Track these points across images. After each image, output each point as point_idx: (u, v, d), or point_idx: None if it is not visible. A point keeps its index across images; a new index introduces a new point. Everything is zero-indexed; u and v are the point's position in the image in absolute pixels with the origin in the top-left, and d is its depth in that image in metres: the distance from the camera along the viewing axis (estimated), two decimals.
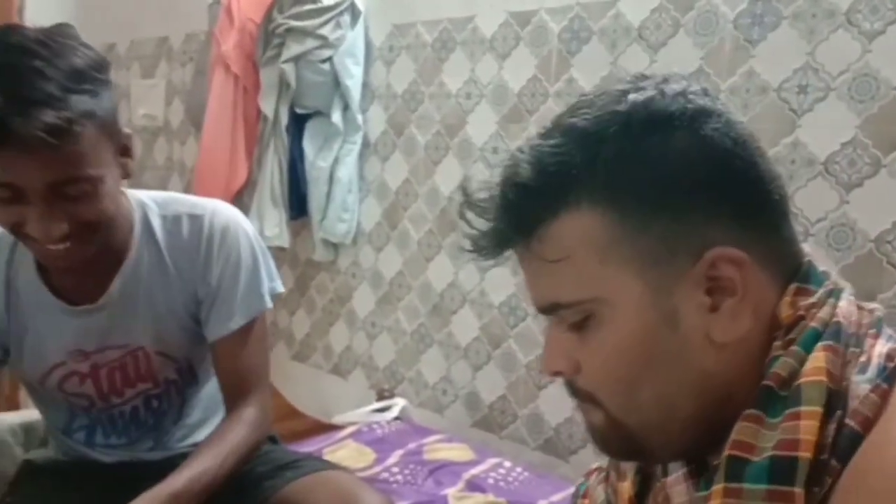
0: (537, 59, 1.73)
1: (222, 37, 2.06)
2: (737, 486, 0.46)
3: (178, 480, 0.90)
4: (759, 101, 1.45)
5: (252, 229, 1.06)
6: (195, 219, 1.01)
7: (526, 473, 1.57)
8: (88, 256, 0.90)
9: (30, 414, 1.22)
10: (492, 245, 0.53)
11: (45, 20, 0.89)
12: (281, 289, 1.08)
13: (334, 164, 2.08)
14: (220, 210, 1.03)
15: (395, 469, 1.55)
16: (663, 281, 0.50)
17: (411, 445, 1.66)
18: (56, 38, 0.82)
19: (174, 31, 2.50)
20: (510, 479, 1.55)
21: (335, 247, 2.22)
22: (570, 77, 1.69)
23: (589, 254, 0.51)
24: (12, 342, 1.00)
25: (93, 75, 0.83)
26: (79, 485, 1.05)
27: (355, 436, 1.70)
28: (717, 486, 0.47)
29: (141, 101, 2.57)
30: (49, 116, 0.77)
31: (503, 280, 1.83)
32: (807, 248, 0.55)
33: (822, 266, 0.54)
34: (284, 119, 2.07)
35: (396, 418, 1.85)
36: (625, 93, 0.51)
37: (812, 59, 1.37)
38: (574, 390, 0.56)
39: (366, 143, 2.10)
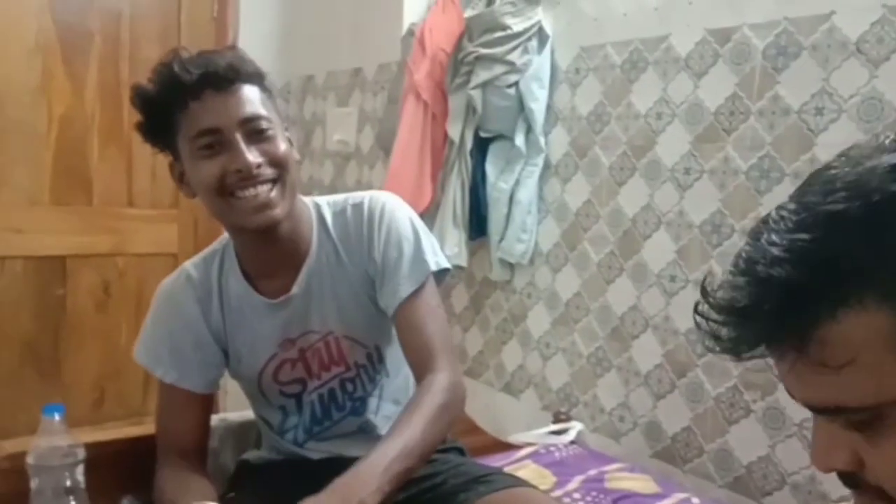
0: (738, 76, 1.66)
1: (414, 66, 2.18)
2: None
3: (388, 452, 0.91)
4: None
5: (411, 211, 1.14)
6: (357, 206, 1.12)
7: None
8: (284, 215, 1.04)
9: (246, 414, 1.35)
10: (747, 348, 0.49)
11: (254, 54, 1.09)
12: (446, 264, 1.13)
13: (515, 185, 2.11)
14: (378, 194, 1.14)
15: (577, 495, 1.52)
16: None
17: (591, 472, 1.62)
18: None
19: (368, 61, 2.68)
20: None
21: (512, 267, 2.25)
22: (775, 94, 1.60)
23: (882, 354, 0.45)
24: (230, 344, 1.12)
25: (253, 63, 1.04)
26: (290, 481, 1.13)
27: (534, 457, 1.69)
28: None
29: (335, 128, 2.77)
30: (232, 62, 1.01)
31: (690, 305, 1.75)
32: None
33: None
34: (469, 143, 2.14)
35: (572, 442, 1.82)
36: (893, 168, 0.45)
37: None
38: (855, 482, 0.50)
39: (547, 165, 2.11)
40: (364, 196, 1.13)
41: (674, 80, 1.79)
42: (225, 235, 1.13)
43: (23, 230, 2.46)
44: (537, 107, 2.03)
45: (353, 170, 2.80)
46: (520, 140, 2.06)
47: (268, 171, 1.00)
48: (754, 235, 0.49)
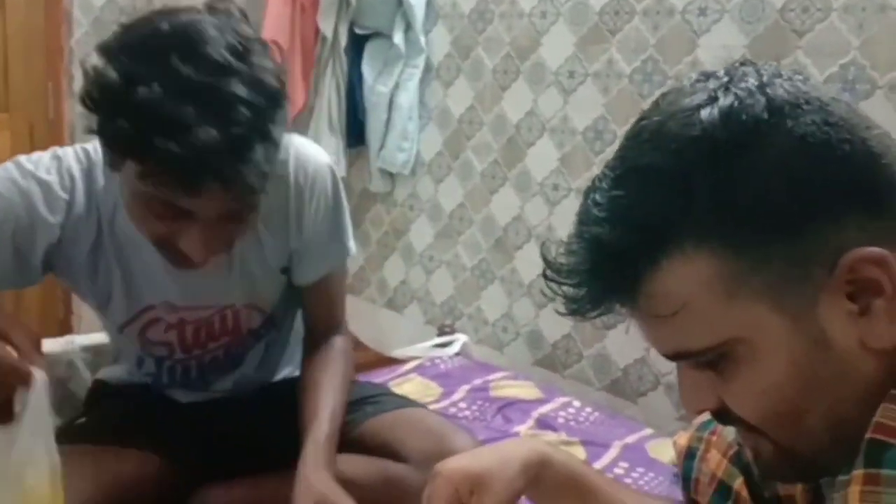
0: None
1: None
2: (875, 472, 0.43)
3: (324, 423, 0.90)
4: (876, 20, 1.30)
5: (334, 170, 0.99)
6: (282, 165, 0.90)
7: (596, 413, 1.52)
8: None
9: (99, 337, 1.19)
10: (591, 308, 0.49)
11: None
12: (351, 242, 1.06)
13: (394, 89, 1.98)
14: (306, 155, 0.94)
15: (463, 404, 1.51)
16: (801, 303, 0.45)
17: (476, 381, 1.61)
18: (246, 46, 0.72)
19: None
20: (580, 418, 1.49)
21: (392, 177, 2.14)
22: None
23: (709, 297, 0.45)
24: (103, 281, 0.93)
25: (283, 95, 0.76)
26: (155, 411, 1.02)
27: (419, 370, 1.65)
28: (858, 472, 0.44)
29: None
30: (260, 160, 0.71)
31: (573, 214, 1.73)
32: None
33: None
34: (344, 40, 1.97)
35: (457, 354, 1.80)
36: (695, 110, 0.45)
37: None
38: (728, 420, 0.51)
39: (428, 67, 1.99)
40: (286, 154, 0.91)
41: None
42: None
43: None
44: (416, 1, 1.88)
45: None
46: (398, 38, 1.91)
47: (218, 250, 0.82)
48: (585, 194, 0.49)
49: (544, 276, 0.49)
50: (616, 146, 1.56)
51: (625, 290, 0.47)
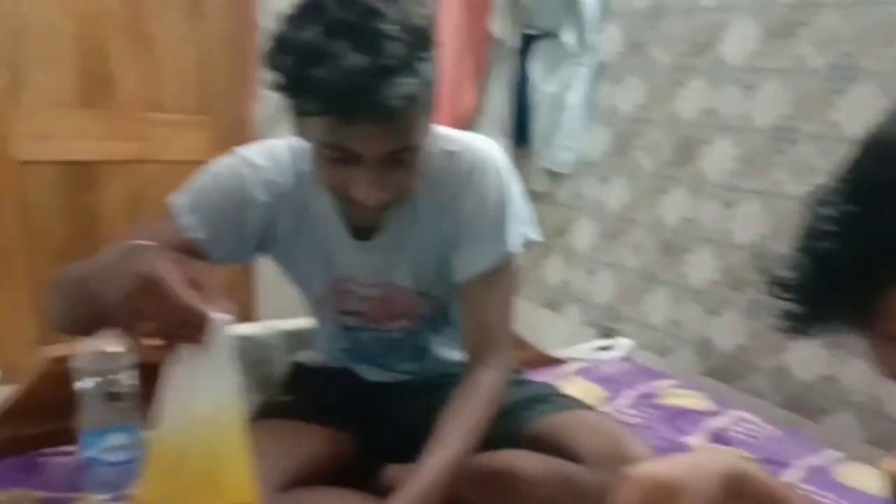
0: None
1: None
2: None
3: (424, 476, 0.89)
4: None
5: (507, 167, 0.99)
6: (450, 155, 0.96)
7: (774, 430, 1.43)
8: None
9: (296, 322, 1.29)
10: (815, 326, 0.47)
11: None
12: (536, 236, 1.01)
13: (563, 88, 1.97)
14: (476, 147, 0.97)
15: (630, 410, 1.47)
16: None
17: (643, 387, 1.56)
18: None
19: None
20: (756, 434, 1.41)
21: (555, 176, 2.14)
22: None
23: None
24: (294, 258, 1.02)
25: (431, 36, 0.81)
26: (346, 394, 1.09)
27: (582, 372, 1.64)
28: None
29: None
30: (406, 86, 0.76)
31: (752, 217, 1.64)
32: None
33: None
34: (515, 41, 1.99)
35: (622, 358, 1.76)
36: None
37: None
38: None
39: (598, 66, 1.96)
40: (459, 143, 0.96)
41: None
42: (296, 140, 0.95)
43: (48, 135, 2.39)
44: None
45: None
46: (569, 37, 1.90)
47: (392, 198, 0.87)
48: (811, 207, 0.47)
49: (768, 291, 0.48)
50: (802, 146, 1.46)
51: (855, 310, 0.45)
